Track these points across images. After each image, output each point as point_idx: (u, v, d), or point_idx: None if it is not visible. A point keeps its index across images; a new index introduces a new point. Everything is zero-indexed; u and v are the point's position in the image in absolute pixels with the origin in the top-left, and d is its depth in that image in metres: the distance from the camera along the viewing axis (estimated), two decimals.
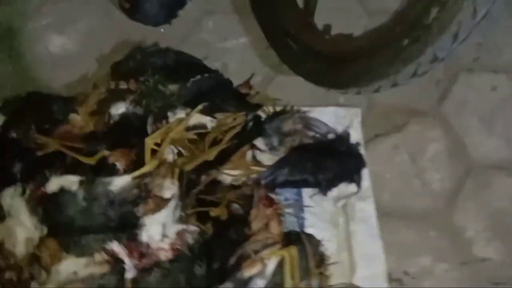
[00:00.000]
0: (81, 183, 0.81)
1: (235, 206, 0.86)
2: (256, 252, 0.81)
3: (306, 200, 1.06)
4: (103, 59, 1.27)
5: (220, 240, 0.84)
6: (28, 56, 1.28)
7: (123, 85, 1.10)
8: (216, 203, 0.95)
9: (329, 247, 0.98)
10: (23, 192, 0.92)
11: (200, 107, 0.92)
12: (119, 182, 0.82)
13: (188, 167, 0.89)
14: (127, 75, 1.11)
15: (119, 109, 1.04)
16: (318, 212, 1.05)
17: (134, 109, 1.05)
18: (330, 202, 1.06)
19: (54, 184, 0.81)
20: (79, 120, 1.05)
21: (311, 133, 1.07)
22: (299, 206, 1.06)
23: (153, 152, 0.90)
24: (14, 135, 1.01)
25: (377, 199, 1.08)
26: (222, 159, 0.95)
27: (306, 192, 1.07)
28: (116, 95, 1.07)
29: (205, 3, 1.34)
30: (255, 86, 1.08)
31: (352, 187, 1.08)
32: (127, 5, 1.28)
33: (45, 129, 1.00)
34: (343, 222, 1.04)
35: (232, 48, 1.29)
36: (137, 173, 0.84)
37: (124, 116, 1.03)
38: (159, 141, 0.86)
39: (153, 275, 0.84)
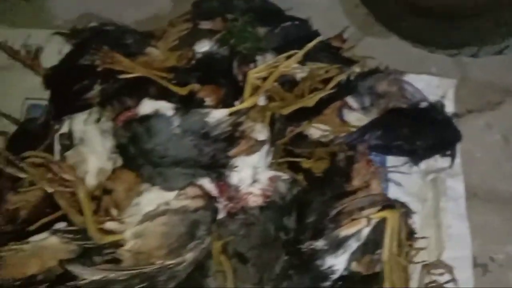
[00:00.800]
0: (176, 109, 0.73)
1: (339, 157, 0.78)
2: (360, 209, 0.73)
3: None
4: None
5: (317, 193, 0.76)
6: None
7: (204, 25, 1.04)
8: (303, 157, 0.88)
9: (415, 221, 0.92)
10: (99, 119, 0.86)
11: (309, 46, 0.82)
12: (216, 115, 0.74)
13: (284, 112, 0.81)
14: (210, 15, 1.04)
15: (203, 47, 0.95)
16: (403, 184, 0.97)
17: (218, 49, 0.97)
18: (418, 175, 0.98)
19: (148, 106, 0.73)
20: (157, 54, 0.97)
21: (405, 98, 0.99)
22: (383, 176, 0.98)
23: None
24: (87, 61, 0.95)
25: (465, 178, 1.00)
26: (316, 110, 0.88)
27: (390, 161, 1.00)
28: (200, 33, 1.00)
29: None
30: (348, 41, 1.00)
31: (443, 162, 1.00)
32: None
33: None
34: (432, 198, 0.96)
35: (318, 2, 1.19)
36: (234, 108, 0.76)
37: (208, 55, 0.95)
38: (262, 76, 0.78)
39: (239, 221, 0.76)
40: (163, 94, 0.82)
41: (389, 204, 0.77)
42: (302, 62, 0.94)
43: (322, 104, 0.87)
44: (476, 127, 1.07)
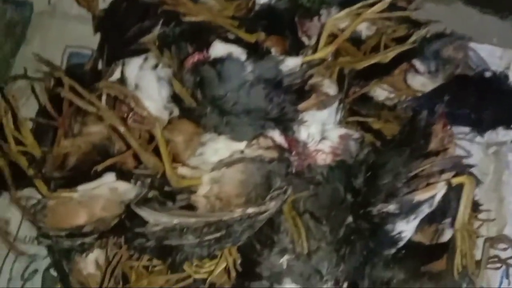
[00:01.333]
0: (249, 55, 0.67)
1: (421, 115, 0.73)
2: (440, 173, 0.69)
3: None
4: None
5: (393, 153, 0.72)
6: None
7: None
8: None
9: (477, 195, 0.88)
10: (156, 65, 0.80)
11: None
12: (291, 63, 0.68)
13: (357, 67, 0.76)
14: None
15: None
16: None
17: (278, 1, 0.92)
18: (480, 148, 0.94)
19: (221, 48, 0.67)
20: (213, 3, 0.92)
21: (471, 66, 0.95)
22: None
23: None
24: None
25: None
26: (387, 69, 0.83)
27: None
28: None
29: None
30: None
31: (504, 135, 0.96)
32: None
33: None
34: (493, 171, 0.93)
35: None
36: (309, 57, 0.70)
37: (268, 7, 0.90)
38: (342, 24, 0.73)
39: (306, 179, 0.72)
40: (228, 41, 0.77)
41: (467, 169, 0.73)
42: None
43: (392, 64, 0.83)
44: None
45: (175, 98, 0.75)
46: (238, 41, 0.75)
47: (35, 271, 0.91)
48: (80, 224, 0.76)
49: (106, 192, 0.75)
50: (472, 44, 0.98)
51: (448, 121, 0.88)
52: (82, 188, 0.76)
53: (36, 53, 0.91)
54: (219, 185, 0.61)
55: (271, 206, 0.61)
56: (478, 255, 0.85)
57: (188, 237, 0.59)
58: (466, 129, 0.92)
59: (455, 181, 0.70)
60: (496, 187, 0.91)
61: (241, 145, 0.66)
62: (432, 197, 0.72)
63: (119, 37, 0.82)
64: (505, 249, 0.85)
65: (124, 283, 0.75)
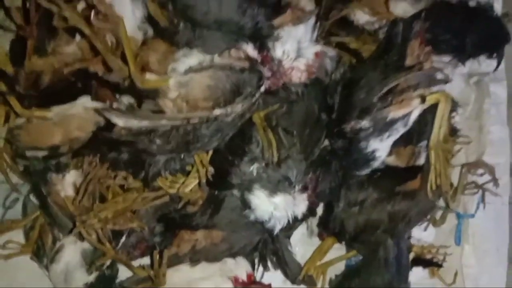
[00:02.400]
0: None
1: (396, 29, 0.72)
2: (414, 88, 0.68)
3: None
4: None
5: (368, 69, 0.71)
6: None
7: None
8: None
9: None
10: None
11: None
12: None
13: None
14: None
15: None
16: (445, 85, 0.93)
17: None
18: (461, 78, 0.93)
19: None
20: None
21: None
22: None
23: None
24: None
25: (509, 84, 0.95)
26: None
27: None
28: None
29: None
30: None
31: (487, 66, 0.95)
32: None
33: None
34: (474, 100, 0.92)
35: None
36: None
37: None
38: None
39: (280, 97, 0.72)
40: None
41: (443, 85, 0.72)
42: None
43: None
44: None
45: (149, 19, 0.75)
46: None
47: (16, 199, 0.92)
48: (55, 144, 0.76)
49: (80, 111, 0.75)
50: None
51: (427, 42, 0.89)
52: (57, 108, 0.77)
53: None
54: (186, 89, 0.61)
55: (238, 108, 0.60)
56: (455, 181, 0.87)
57: (156, 141, 0.59)
58: (447, 57, 0.92)
59: (430, 97, 0.69)
60: (477, 115, 0.90)
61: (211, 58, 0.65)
62: (407, 115, 0.73)
63: None
64: (482, 175, 0.86)
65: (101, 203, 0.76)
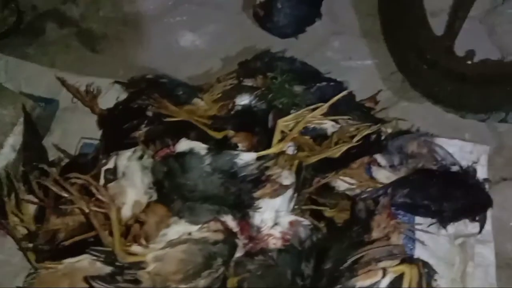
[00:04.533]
0: (209, 150, 0.80)
1: (359, 206, 0.80)
2: (377, 260, 0.74)
3: (418, 231, 0.98)
4: (228, 60, 1.29)
5: (336, 240, 0.78)
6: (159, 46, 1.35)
7: (247, 82, 1.13)
8: (327, 207, 0.91)
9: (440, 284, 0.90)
10: (142, 156, 0.93)
11: (334, 99, 0.88)
12: (245, 157, 0.79)
13: (310, 161, 0.85)
14: (253, 73, 1.13)
15: (243, 100, 1.04)
16: (431, 246, 0.96)
17: (257, 103, 1.05)
18: (446, 239, 0.97)
19: (184, 145, 0.80)
20: (202, 104, 1.07)
21: (435, 161, 1.01)
22: (410, 236, 0.98)
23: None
24: (139, 104, 1.05)
25: (498, 247, 0.97)
26: (343, 163, 0.91)
27: (418, 221, 0.99)
28: (242, 89, 1.09)
29: (334, 24, 1.33)
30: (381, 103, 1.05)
31: (473, 227, 0.99)
32: (261, 12, 1.32)
33: None
34: (460, 262, 0.94)
35: (356, 68, 1.25)
36: (263, 152, 0.81)
37: (246, 107, 1.04)
38: (291, 125, 0.84)
39: (257, 261, 0.79)
40: (201, 138, 0.89)
41: (409, 259, 0.77)
42: (336, 120, 1.02)
43: (349, 158, 0.91)
44: (511, 195, 1.05)
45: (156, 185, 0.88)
46: (208, 139, 0.88)
47: None
48: None
49: (86, 265, 0.86)
50: (440, 140, 1.06)
51: (410, 212, 0.95)
52: (67, 260, 0.88)
53: (55, 143, 1.10)
54: (161, 263, 0.70)
55: (201, 283, 0.68)
56: None
57: None
58: (428, 220, 0.96)
59: (395, 269, 0.74)
60: (462, 278, 0.91)
61: (196, 227, 0.75)
62: (375, 284, 0.77)
63: (115, 132, 0.98)
64: None
65: None
